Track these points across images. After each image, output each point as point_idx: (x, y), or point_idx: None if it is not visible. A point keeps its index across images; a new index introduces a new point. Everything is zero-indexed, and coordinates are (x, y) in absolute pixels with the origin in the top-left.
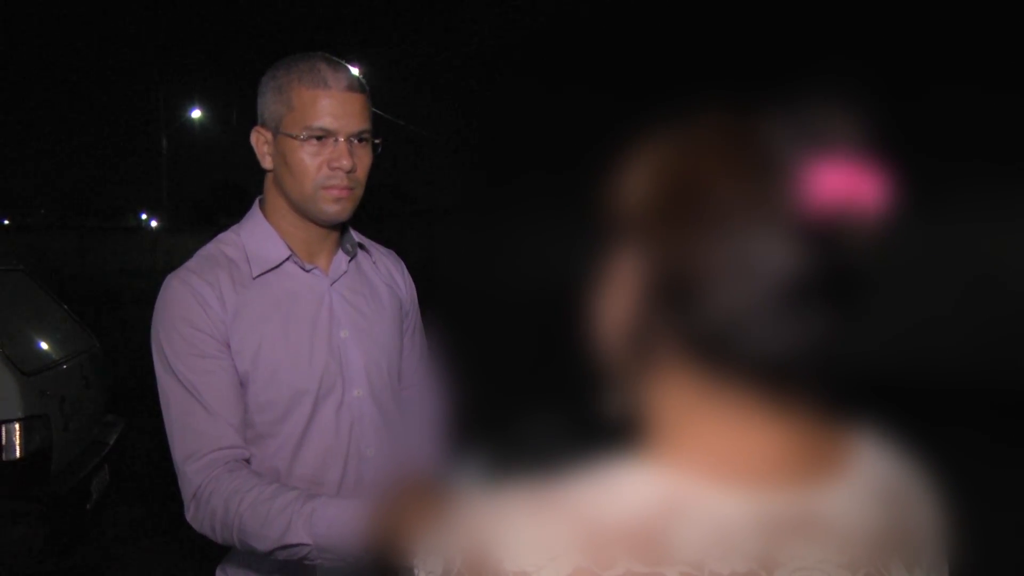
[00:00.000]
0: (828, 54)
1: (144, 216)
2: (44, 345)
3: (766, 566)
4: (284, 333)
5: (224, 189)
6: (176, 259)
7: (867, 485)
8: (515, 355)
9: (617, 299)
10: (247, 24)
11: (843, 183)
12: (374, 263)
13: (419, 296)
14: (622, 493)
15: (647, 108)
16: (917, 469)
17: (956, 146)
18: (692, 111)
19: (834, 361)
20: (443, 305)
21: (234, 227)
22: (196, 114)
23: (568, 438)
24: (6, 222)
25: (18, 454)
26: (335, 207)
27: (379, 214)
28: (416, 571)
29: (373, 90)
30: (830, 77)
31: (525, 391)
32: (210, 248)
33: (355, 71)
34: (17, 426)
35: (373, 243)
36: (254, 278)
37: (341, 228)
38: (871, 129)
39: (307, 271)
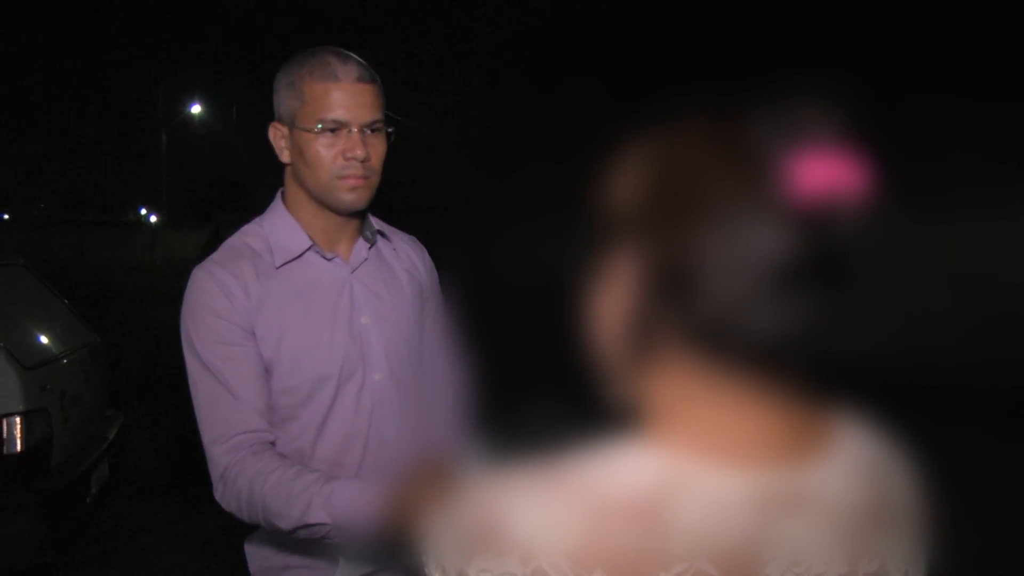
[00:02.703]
0: (810, 52)
1: (144, 211)
2: (44, 339)
3: (760, 538)
4: (306, 320)
5: (223, 184)
6: (176, 254)
7: (851, 462)
8: (518, 346)
9: (615, 295)
10: (247, 19)
11: (826, 174)
12: (394, 250)
13: None
14: (624, 470)
15: (635, 107)
16: (897, 447)
17: (952, 143)
18: (678, 110)
19: (825, 345)
20: (445, 298)
21: (257, 219)
22: (196, 109)
23: (571, 423)
24: (5, 217)
25: (18, 448)
26: (351, 196)
27: (380, 209)
28: (424, 550)
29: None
30: (811, 73)
31: (528, 381)
32: (234, 240)
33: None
34: (18, 420)
35: (394, 230)
36: (277, 268)
37: (360, 216)
38: (852, 122)
39: (328, 260)
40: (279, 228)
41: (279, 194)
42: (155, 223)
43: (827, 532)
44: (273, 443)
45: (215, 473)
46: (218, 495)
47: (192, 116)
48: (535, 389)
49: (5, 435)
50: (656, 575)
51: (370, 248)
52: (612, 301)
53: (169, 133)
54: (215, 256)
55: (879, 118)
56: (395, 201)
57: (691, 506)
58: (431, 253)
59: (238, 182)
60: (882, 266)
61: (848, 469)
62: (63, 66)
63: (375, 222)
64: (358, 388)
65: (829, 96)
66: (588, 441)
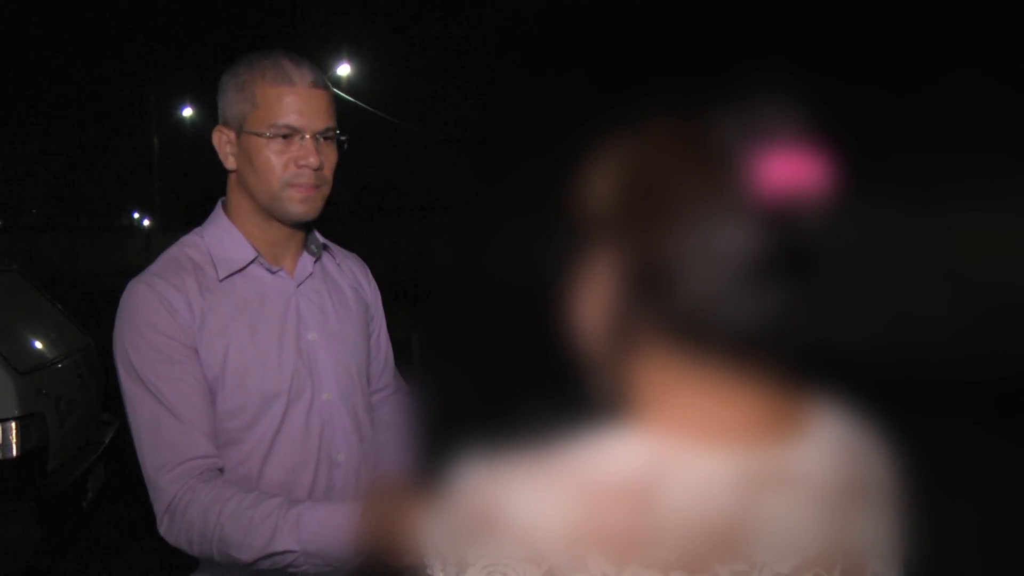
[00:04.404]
0: (771, 49)
1: (136, 215)
2: (39, 344)
3: (746, 515)
4: (251, 336)
5: (216, 188)
6: None
7: (829, 442)
8: (507, 345)
9: (595, 294)
10: (238, 21)
11: (791, 171)
12: (338, 265)
13: (414, 292)
14: (613, 455)
15: (608, 106)
16: (873, 428)
17: (947, 137)
18: (645, 112)
19: (799, 334)
20: (438, 299)
21: (197, 230)
22: (187, 112)
23: (560, 416)
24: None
25: (14, 453)
26: (302, 207)
27: (372, 211)
28: (423, 543)
29: (365, 86)
30: (773, 71)
31: (518, 379)
32: (174, 251)
33: (347, 68)
34: (13, 425)
35: (336, 246)
36: (220, 281)
37: (306, 229)
38: (814, 119)
39: (273, 273)
40: (221, 239)
41: (220, 203)
42: (148, 227)
43: (808, 509)
44: (222, 470)
45: (160, 504)
46: (163, 529)
47: (184, 119)
48: (526, 384)
49: (1, 440)
50: (650, 553)
51: (315, 262)
52: (593, 300)
53: (161, 136)
54: (154, 268)
55: (842, 112)
56: (387, 202)
57: (680, 487)
58: (424, 253)
59: None
60: (851, 257)
61: (826, 449)
62: (53, 70)
63: (319, 236)
64: (307, 408)
65: (792, 93)
66: (579, 430)
